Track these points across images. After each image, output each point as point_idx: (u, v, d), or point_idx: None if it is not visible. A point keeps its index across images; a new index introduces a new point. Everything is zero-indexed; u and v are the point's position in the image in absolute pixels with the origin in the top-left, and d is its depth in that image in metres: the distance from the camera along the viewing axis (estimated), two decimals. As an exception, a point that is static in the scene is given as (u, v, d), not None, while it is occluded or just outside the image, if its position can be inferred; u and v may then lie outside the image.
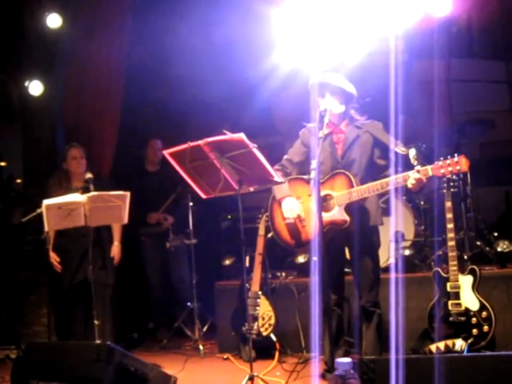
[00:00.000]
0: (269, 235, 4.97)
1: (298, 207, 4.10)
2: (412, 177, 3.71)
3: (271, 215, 4.36)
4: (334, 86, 4.05)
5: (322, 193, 3.93)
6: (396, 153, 3.94)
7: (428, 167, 3.72)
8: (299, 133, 4.32)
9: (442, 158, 3.70)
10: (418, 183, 3.72)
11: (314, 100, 4.08)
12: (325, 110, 3.82)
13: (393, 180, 3.78)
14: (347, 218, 3.90)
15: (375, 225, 4.13)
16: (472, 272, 4.32)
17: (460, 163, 3.63)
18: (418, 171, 3.71)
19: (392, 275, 4.64)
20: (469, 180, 5.56)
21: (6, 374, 4.17)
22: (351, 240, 4.04)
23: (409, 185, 3.73)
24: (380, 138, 4.05)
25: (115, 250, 5.30)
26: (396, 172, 3.84)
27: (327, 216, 3.92)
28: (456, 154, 3.68)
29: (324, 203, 3.93)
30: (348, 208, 3.94)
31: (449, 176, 4.41)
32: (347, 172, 3.98)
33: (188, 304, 5.91)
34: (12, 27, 5.94)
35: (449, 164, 3.65)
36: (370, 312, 4.09)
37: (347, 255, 4.31)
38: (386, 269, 5.01)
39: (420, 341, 4.49)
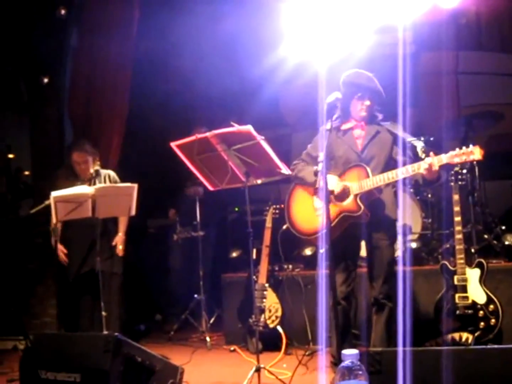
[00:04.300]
0: (284, 227, 4.96)
1: (339, 182, 4.05)
2: (425, 163, 3.71)
3: (288, 206, 4.34)
4: (371, 88, 4.05)
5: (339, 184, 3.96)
6: (411, 145, 3.95)
7: (442, 155, 3.72)
8: (319, 128, 4.29)
9: (457, 148, 3.70)
10: (431, 169, 3.71)
11: (324, 91, 4.06)
12: (336, 99, 3.79)
13: (406, 168, 3.79)
14: (361, 206, 3.91)
15: (391, 219, 4.12)
16: (479, 265, 4.31)
17: (475, 152, 3.63)
18: (432, 158, 3.71)
19: (400, 268, 4.63)
20: (477, 173, 5.54)
21: (15, 365, 4.20)
22: (368, 232, 4.04)
23: (423, 171, 3.72)
24: (398, 134, 4.06)
25: (119, 240, 5.28)
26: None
27: (342, 205, 3.95)
28: (471, 145, 3.68)
29: (340, 194, 3.94)
30: (365, 199, 3.95)
31: (456, 169, 4.43)
32: (363, 164, 3.99)
33: (195, 296, 5.93)
34: (20, 19, 5.95)
35: (463, 153, 3.66)
36: (382, 304, 4.08)
37: (363, 250, 4.30)
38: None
39: (427, 334, 4.49)
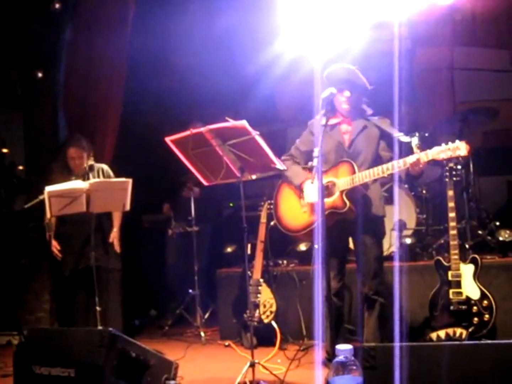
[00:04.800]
0: (272, 223, 4.97)
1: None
2: (410, 160, 3.71)
3: (276, 202, 4.35)
4: (345, 78, 4.05)
5: (325, 181, 3.94)
6: (400, 141, 3.94)
7: (428, 151, 3.71)
8: (307, 123, 4.30)
9: (443, 144, 3.70)
10: (417, 166, 3.71)
11: (320, 87, 4.06)
12: (331, 95, 3.79)
13: (393, 164, 3.78)
14: (347, 202, 3.91)
15: (378, 215, 4.13)
16: (473, 261, 4.32)
17: (461, 148, 3.62)
18: (417, 154, 3.71)
19: (395, 263, 4.64)
20: (471, 169, 5.55)
21: (9, 360, 4.19)
22: (355, 229, 4.04)
23: (407, 165, 3.72)
24: (386, 129, 4.06)
25: (114, 235, 5.28)
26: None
27: (328, 201, 3.93)
28: (457, 140, 3.67)
29: (326, 190, 3.94)
30: (351, 195, 3.94)
31: (451, 164, 4.43)
32: (350, 160, 3.98)
33: (190, 291, 5.93)
34: (15, 12, 5.92)
35: (449, 149, 3.65)
36: (372, 300, 4.10)
37: (351, 245, 4.32)
38: (388, 258, 5.01)
39: (421, 329, 4.50)
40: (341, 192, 3.95)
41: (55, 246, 5.16)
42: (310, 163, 3.94)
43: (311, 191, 4.01)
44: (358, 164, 3.99)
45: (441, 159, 3.73)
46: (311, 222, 4.05)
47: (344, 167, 3.99)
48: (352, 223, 4.02)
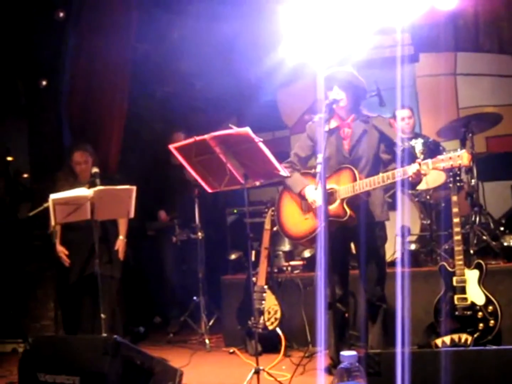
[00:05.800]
0: (274, 228, 4.98)
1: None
2: (411, 170, 3.71)
3: (278, 208, 4.36)
4: (343, 79, 4.04)
5: (327, 187, 3.93)
6: (401, 147, 3.94)
7: (429, 161, 3.70)
8: (305, 127, 4.31)
9: (444, 153, 3.70)
10: (418, 176, 3.71)
11: (323, 93, 4.07)
12: (334, 101, 3.80)
13: (394, 173, 3.77)
14: (348, 211, 3.90)
15: (380, 220, 4.13)
16: (478, 266, 4.31)
17: (462, 157, 3.61)
18: (419, 164, 3.70)
19: (399, 269, 4.63)
20: (475, 174, 5.54)
21: (14, 368, 4.19)
22: (357, 235, 4.04)
23: (408, 175, 3.72)
24: (386, 132, 4.06)
25: (120, 244, 5.30)
26: (402, 166, 3.83)
27: (329, 209, 3.92)
28: (458, 149, 3.67)
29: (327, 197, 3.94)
30: (352, 203, 3.94)
31: (456, 170, 4.42)
32: (351, 167, 3.97)
33: (195, 298, 5.92)
34: (18, 21, 5.95)
35: (450, 158, 3.64)
36: (376, 307, 4.09)
37: (353, 250, 4.31)
38: (392, 264, 5.00)
39: (426, 335, 4.49)
40: (342, 200, 3.93)
41: (62, 251, 5.16)
42: (313, 170, 3.94)
43: (314, 195, 4.00)
44: (359, 169, 3.98)
45: (441, 169, 3.72)
46: (313, 229, 4.05)
47: (346, 173, 3.98)
48: (354, 229, 4.01)
